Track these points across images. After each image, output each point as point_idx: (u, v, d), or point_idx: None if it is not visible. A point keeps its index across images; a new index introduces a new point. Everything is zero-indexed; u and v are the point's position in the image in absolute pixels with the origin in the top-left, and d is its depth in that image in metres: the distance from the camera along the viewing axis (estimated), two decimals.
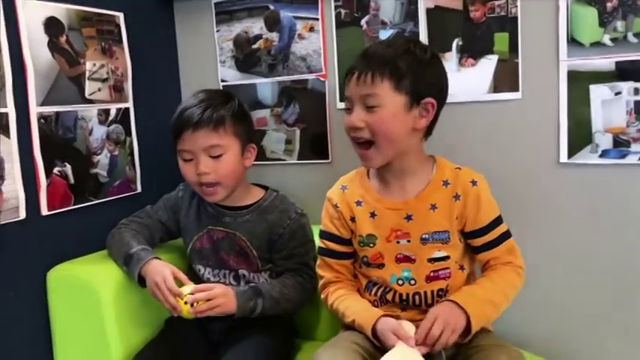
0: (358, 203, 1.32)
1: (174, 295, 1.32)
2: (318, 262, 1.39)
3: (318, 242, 1.40)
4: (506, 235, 1.29)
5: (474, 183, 1.27)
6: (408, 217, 1.28)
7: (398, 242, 1.29)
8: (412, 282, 1.29)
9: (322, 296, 1.37)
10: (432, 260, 1.28)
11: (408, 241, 1.28)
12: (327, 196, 1.38)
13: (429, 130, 1.30)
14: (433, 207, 1.27)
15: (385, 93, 1.21)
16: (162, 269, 1.36)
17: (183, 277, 1.38)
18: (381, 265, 1.31)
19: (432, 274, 1.29)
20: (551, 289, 1.54)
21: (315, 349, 1.48)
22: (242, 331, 1.42)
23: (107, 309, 1.39)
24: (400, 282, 1.30)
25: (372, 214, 1.31)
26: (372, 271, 1.33)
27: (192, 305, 1.31)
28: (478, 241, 1.29)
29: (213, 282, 1.47)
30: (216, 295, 1.33)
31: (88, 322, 1.41)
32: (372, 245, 1.31)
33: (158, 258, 1.40)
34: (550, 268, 1.53)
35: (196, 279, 1.49)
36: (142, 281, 1.38)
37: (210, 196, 1.45)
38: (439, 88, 1.27)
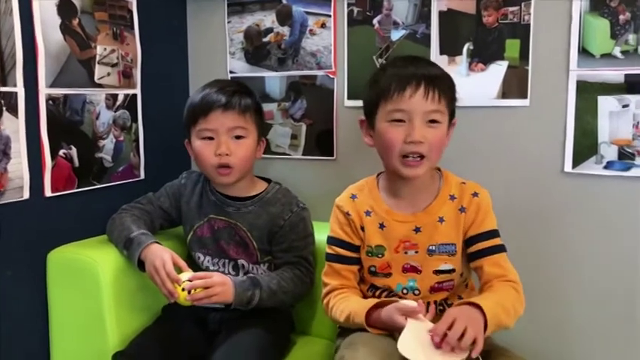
0: (367, 213, 1.33)
1: (172, 280, 1.32)
2: (325, 268, 1.38)
3: (325, 248, 1.38)
4: (499, 249, 1.28)
5: (475, 194, 1.30)
6: (417, 230, 1.30)
7: (406, 253, 1.31)
8: (416, 292, 1.31)
9: (324, 302, 1.36)
10: (437, 272, 1.30)
11: (416, 252, 1.30)
12: (337, 203, 1.37)
13: None
14: (441, 220, 1.29)
15: (444, 110, 1.26)
16: (162, 253, 1.36)
17: (182, 263, 1.38)
18: (388, 275, 1.33)
19: (436, 285, 1.31)
20: (552, 298, 1.54)
21: (311, 344, 1.51)
22: (239, 322, 1.42)
23: (106, 293, 1.39)
24: (405, 291, 1.32)
25: (381, 225, 1.32)
26: (378, 279, 1.34)
27: (189, 292, 1.31)
28: (472, 248, 1.29)
29: (212, 270, 1.48)
30: (214, 284, 1.33)
31: (86, 305, 1.41)
32: (380, 256, 1.32)
33: (158, 242, 1.41)
34: (551, 277, 1.53)
35: (195, 267, 1.50)
36: (141, 265, 1.39)
37: (223, 177, 1.46)
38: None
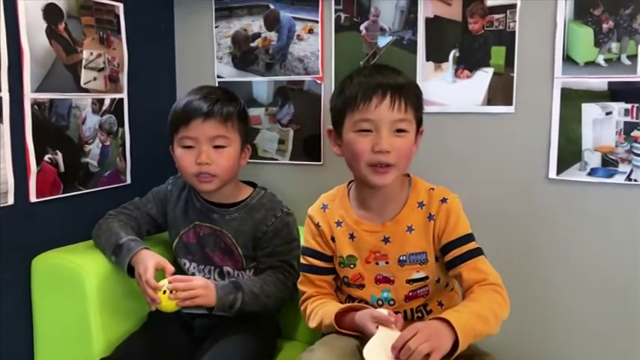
0: (338, 224, 1.33)
1: (153, 288, 1.31)
2: (300, 278, 1.38)
3: (300, 258, 1.38)
4: (476, 252, 1.26)
5: (444, 200, 1.28)
6: (386, 240, 1.29)
7: (377, 264, 1.30)
8: (391, 302, 1.31)
9: (301, 309, 1.36)
10: (410, 281, 1.30)
11: (387, 262, 1.30)
12: (309, 213, 1.37)
13: None
14: (410, 229, 1.28)
15: (411, 119, 1.25)
16: (146, 260, 1.35)
17: (170, 268, 1.37)
18: (362, 286, 1.32)
19: (410, 293, 1.31)
20: (537, 302, 1.55)
21: (297, 350, 1.50)
22: (225, 328, 1.42)
23: (91, 299, 1.39)
24: (380, 302, 1.31)
25: (351, 236, 1.31)
26: (352, 290, 1.34)
27: (171, 292, 1.30)
28: (448, 256, 1.27)
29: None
30: (196, 287, 1.32)
31: (71, 311, 1.41)
32: (352, 266, 1.32)
33: (147, 248, 1.40)
34: (535, 282, 1.55)
35: (181, 273, 1.49)
36: (131, 271, 1.38)
37: (203, 184, 1.45)
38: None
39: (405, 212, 1.29)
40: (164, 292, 1.30)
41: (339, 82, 1.32)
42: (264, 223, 1.48)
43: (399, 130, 1.23)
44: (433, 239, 1.28)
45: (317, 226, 1.34)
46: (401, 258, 1.28)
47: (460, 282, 1.28)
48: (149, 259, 1.36)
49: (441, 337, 1.08)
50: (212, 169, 1.43)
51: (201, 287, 1.33)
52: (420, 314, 1.32)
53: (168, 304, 1.31)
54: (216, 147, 1.44)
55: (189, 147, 1.44)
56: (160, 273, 1.35)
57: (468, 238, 1.27)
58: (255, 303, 1.40)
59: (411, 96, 1.24)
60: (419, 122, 1.28)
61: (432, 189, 1.31)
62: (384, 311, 1.18)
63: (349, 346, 1.17)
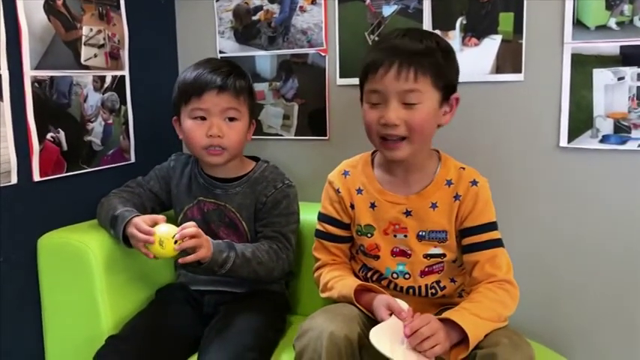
0: (359, 191, 1.30)
1: (145, 232, 1.28)
2: (314, 244, 1.37)
3: (316, 224, 1.37)
4: (496, 243, 1.23)
5: (474, 183, 1.25)
6: (407, 213, 1.26)
7: (395, 236, 1.28)
8: (407, 276, 1.29)
9: (315, 275, 1.35)
10: (427, 256, 1.27)
11: (405, 236, 1.27)
12: (329, 179, 1.35)
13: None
14: (434, 205, 1.25)
15: (426, 89, 1.17)
16: (134, 220, 1.33)
17: (161, 217, 1.34)
18: (377, 257, 1.30)
19: (426, 269, 1.28)
20: (548, 274, 1.53)
21: None
22: (234, 304, 1.41)
23: (98, 277, 1.38)
24: (395, 275, 1.29)
25: (372, 205, 1.29)
26: (368, 260, 1.32)
27: (175, 243, 1.27)
28: (466, 240, 1.25)
29: None
30: (200, 234, 1.30)
31: (79, 290, 1.40)
32: (369, 236, 1.30)
33: (140, 216, 1.37)
34: (547, 252, 1.53)
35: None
36: (126, 241, 1.36)
37: (213, 157, 1.44)
38: (457, 82, 1.26)
39: (431, 188, 1.26)
40: (160, 242, 1.27)
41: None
42: (263, 194, 1.47)
43: (410, 103, 1.17)
44: (456, 219, 1.25)
45: (337, 192, 1.32)
46: (420, 233, 1.26)
47: (470, 269, 1.25)
48: (135, 218, 1.34)
49: (448, 337, 1.09)
50: (223, 142, 1.42)
51: (204, 238, 1.31)
52: (433, 290, 1.30)
53: (162, 251, 1.28)
54: (228, 120, 1.43)
55: (201, 118, 1.42)
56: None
57: (492, 226, 1.24)
58: (246, 266, 1.38)
59: (424, 64, 1.16)
60: (446, 90, 1.21)
61: (463, 168, 1.27)
62: (404, 305, 1.17)
63: (351, 314, 1.16)
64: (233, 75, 1.43)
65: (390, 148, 1.21)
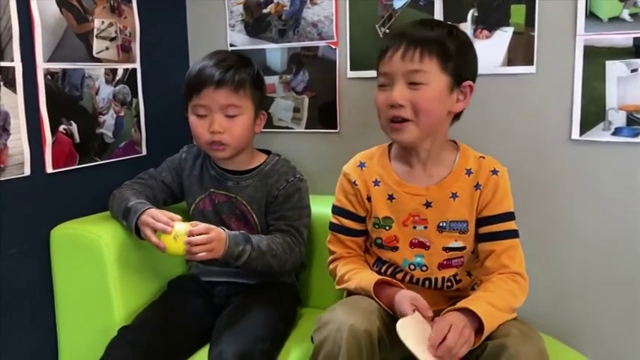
0: (376, 183, 1.29)
1: (164, 223, 1.29)
2: (328, 237, 1.36)
3: (330, 217, 1.36)
4: (512, 234, 1.23)
5: (494, 172, 1.25)
6: (428, 204, 1.26)
7: (414, 227, 1.27)
8: (424, 268, 1.28)
9: (330, 267, 1.34)
10: (447, 249, 1.27)
11: (425, 227, 1.26)
12: (344, 171, 1.34)
13: (457, 115, 1.28)
14: (454, 196, 1.25)
15: (433, 71, 1.18)
16: (150, 211, 1.34)
17: (170, 214, 1.34)
18: (395, 249, 1.29)
19: (444, 262, 1.27)
20: (559, 266, 1.52)
21: (316, 317, 1.49)
22: (245, 295, 1.42)
23: (110, 268, 1.39)
24: (412, 267, 1.28)
25: (390, 197, 1.28)
26: (384, 252, 1.31)
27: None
28: (483, 229, 1.25)
29: None
30: (213, 240, 1.31)
31: (91, 281, 1.41)
32: (387, 228, 1.28)
33: (153, 208, 1.38)
34: (559, 244, 1.52)
35: None
36: (139, 233, 1.37)
37: (217, 152, 1.45)
38: (475, 72, 1.27)
39: (451, 178, 1.26)
40: (175, 236, 1.28)
41: None
42: (275, 187, 1.47)
43: (415, 83, 1.18)
44: (476, 209, 1.25)
45: (353, 184, 1.30)
46: (441, 224, 1.25)
47: (484, 258, 1.25)
48: (151, 209, 1.35)
49: (471, 328, 1.09)
50: (224, 138, 1.42)
51: (215, 241, 1.31)
52: (449, 283, 1.29)
53: (174, 245, 1.29)
54: (229, 116, 1.43)
55: (202, 115, 1.43)
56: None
57: (510, 216, 1.24)
58: (261, 260, 1.38)
59: (433, 47, 1.17)
60: (457, 76, 1.21)
61: (483, 157, 1.27)
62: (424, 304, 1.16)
63: (370, 307, 1.15)
64: (233, 69, 1.42)
65: (396, 129, 1.21)
